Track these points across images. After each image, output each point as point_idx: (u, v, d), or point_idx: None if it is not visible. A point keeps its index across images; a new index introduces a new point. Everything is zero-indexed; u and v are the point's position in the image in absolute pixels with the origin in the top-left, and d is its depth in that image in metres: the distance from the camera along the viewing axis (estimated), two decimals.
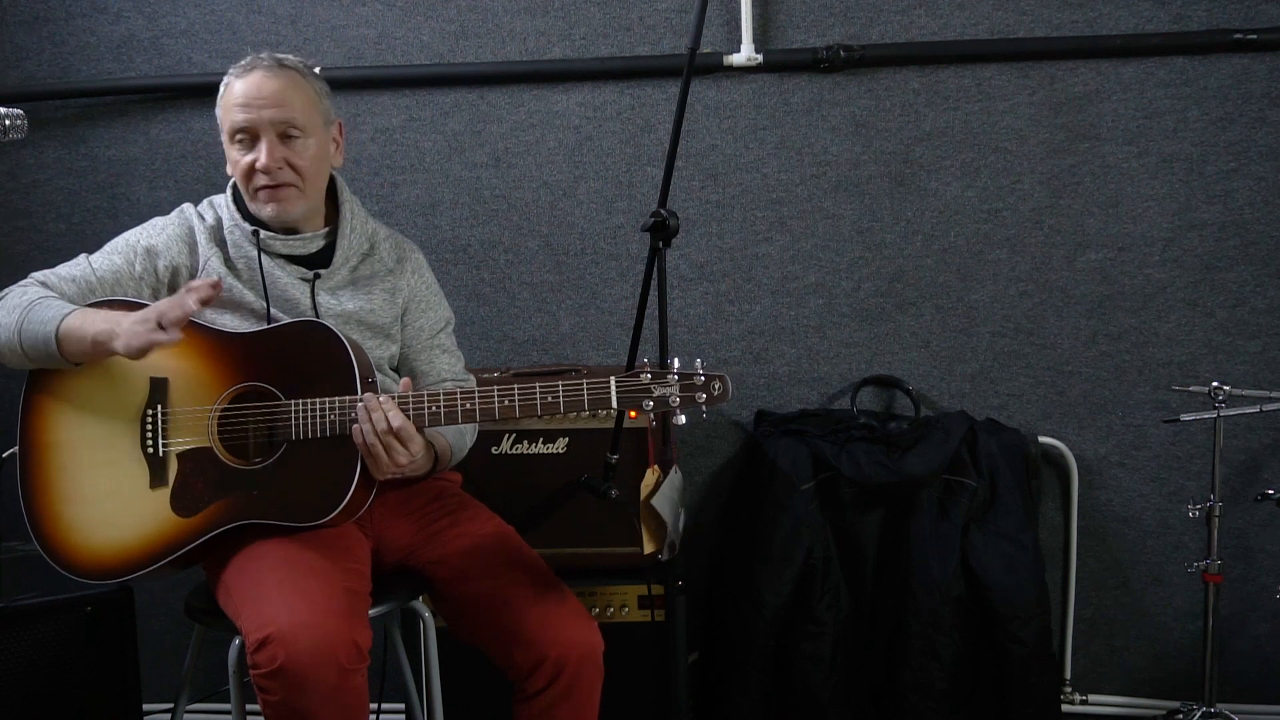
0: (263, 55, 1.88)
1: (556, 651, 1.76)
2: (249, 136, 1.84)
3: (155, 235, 1.89)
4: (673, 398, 1.66)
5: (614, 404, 1.67)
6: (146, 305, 1.83)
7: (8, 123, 1.72)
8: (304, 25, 2.62)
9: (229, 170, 1.91)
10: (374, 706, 2.24)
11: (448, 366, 2.05)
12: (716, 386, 1.67)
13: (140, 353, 1.66)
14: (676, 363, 1.69)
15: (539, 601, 1.81)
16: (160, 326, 1.65)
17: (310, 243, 1.93)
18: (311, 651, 1.54)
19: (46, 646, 1.96)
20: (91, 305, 1.78)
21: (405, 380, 1.77)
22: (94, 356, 1.72)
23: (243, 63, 1.87)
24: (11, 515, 1.84)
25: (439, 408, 1.71)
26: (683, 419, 1.68)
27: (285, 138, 1.84)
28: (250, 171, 1.85)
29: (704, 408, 1.67)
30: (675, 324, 2.62)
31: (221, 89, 1.88)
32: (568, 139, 2.62)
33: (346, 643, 1.58)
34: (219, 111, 1.88)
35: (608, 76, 2.59)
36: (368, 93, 2.61)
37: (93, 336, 1.69)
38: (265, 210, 1.86)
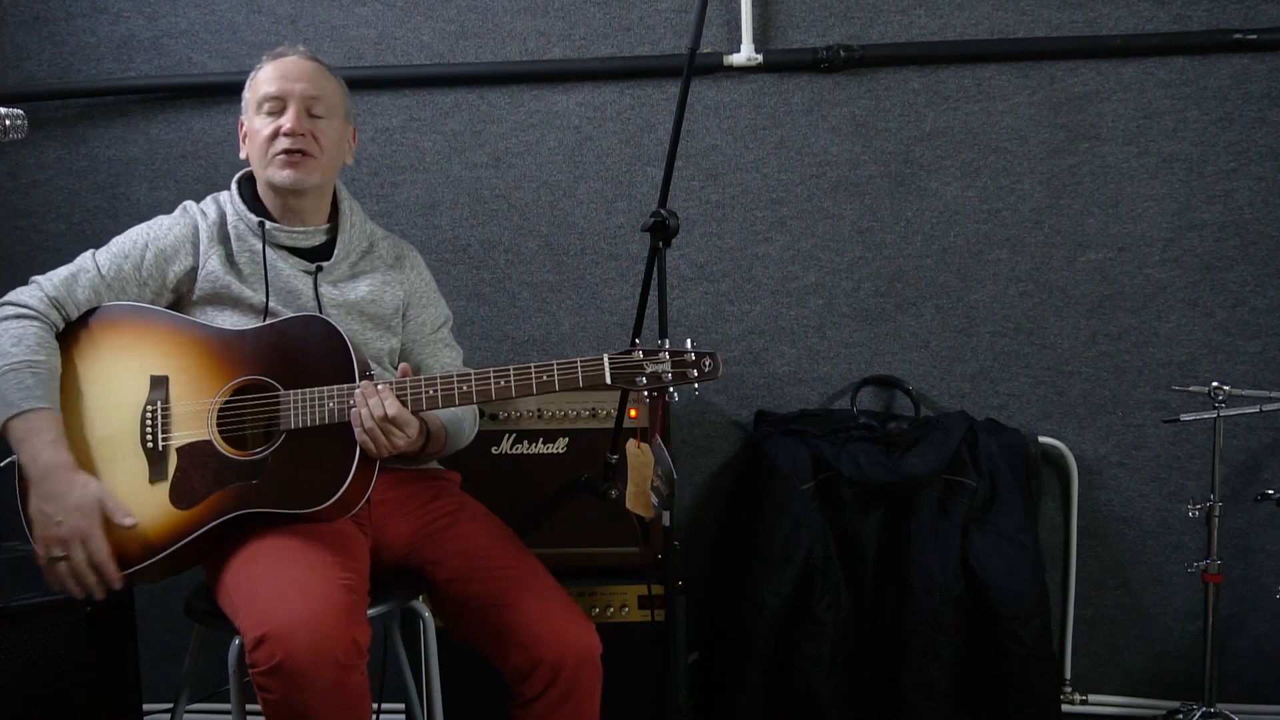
0: (297, 46, 1.95)
1: (553, 654, 1.76)
2: (279, 104, 1.89)
3: (163, 237, 1.90)
4: (665, 374, 1.69)
5: (608, 379, 1.70)
6: (151, 309, 1.85)
7: (8, 123, 1.73)
8: (304, 25, 2.62)
9: (243, 154, 1.95)
10: (374, 706, 2.24)
11: (449, 360, 2.07)
12: (707, 363, 1.70)
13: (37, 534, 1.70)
14: (666, 342, 1.71)
15: (536, 604, 1.81)
16: (46, 555, 1.69)
17: (313, 236, 1.95)
18: (309, 649, 1.54)
19: (46, 646, 1.95)
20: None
21: (404, 365, 1.79)
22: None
23: (275, 50, 1.94)
24: (12, 515, 1.83)
25: (436, 391, 1.73)
26: (675, 396, 1.71)
27: (312, 114, 1.90)
28: (273, 136, 1.88)
29: (696, 385, 1.70)
30: (675, 324, 2.62)
31: (252, 75, 1.94)
32: (568, 139, 2.62)
33: (345, 640, 1.58)
34: (247, 94, 1.93)
35: (608, 76, 2.59)
36: (368, 93, 2.61)
37: (23, 459, 1.71)
38: (281, 174, 1.88)
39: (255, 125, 1.91)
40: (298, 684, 1.54)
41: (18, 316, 1.77)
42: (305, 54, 1.94)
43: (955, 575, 2.33)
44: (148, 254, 1.88)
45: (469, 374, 1.73)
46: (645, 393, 1.70)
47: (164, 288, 1.89)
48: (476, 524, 1.95)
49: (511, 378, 1.72)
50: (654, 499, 1.94)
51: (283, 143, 1.87)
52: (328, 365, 1.76)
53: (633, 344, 1.75)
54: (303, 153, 1.88)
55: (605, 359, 1.70)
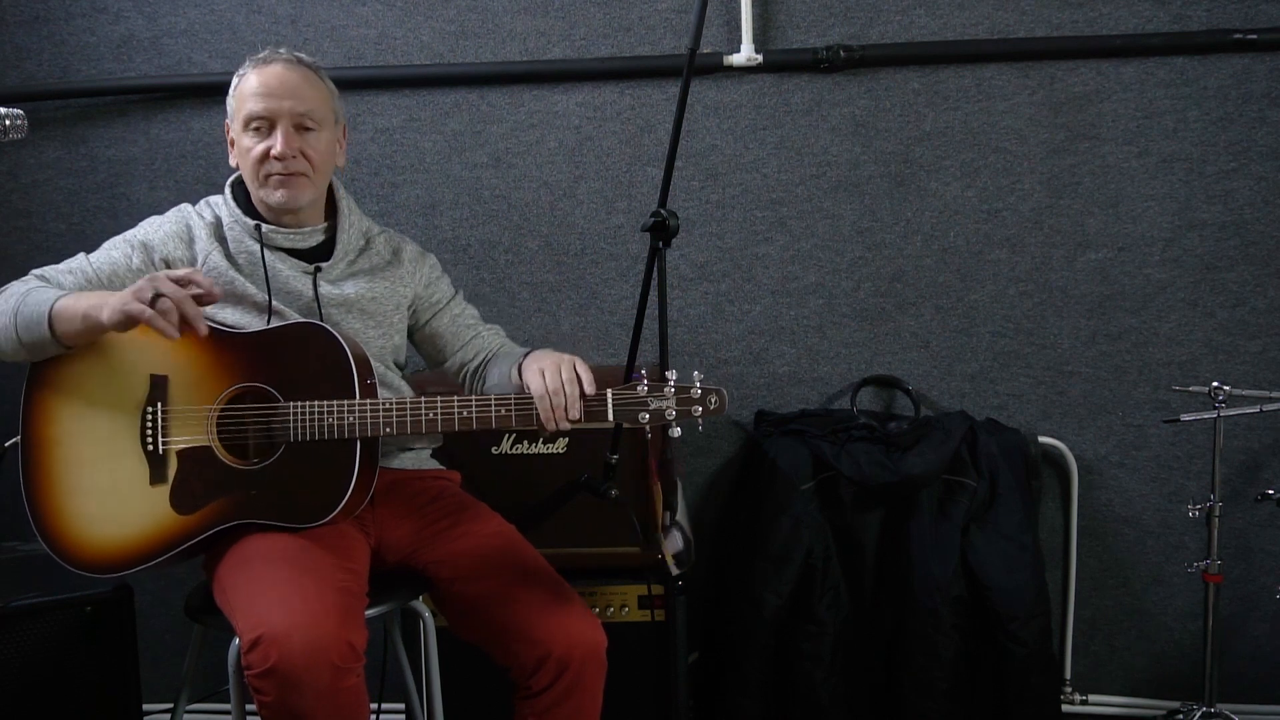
0: (280, 50, 1.90)
1: (561, 649, 1.76)
2: (266, 124, 1.86)
3: (152, 231, 1.90)
4: (669, 411, 1.67)
5: (610, 417, 1.68)
6: None
7: (8, 123, 1.72)
8: (304, 25, 2.62)
9: (232, 161, 1.93)
10: (374, 707, 2.24)
11: (474, 315, 2.09)
12: (713, 400, 1.67)
13: (124, 321, 1.64)
14: (673, 375, 1.69)
15: (542, 599, 1.81)
16: (147, 301, 1.62)
17: (310, 236, 1.94)
18: (304, 651, 1.54)
19: (46, 646, 1.96)
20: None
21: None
22: (86, 334, 1.72)
23: (260, 56, 1.89)
24: (11, 515, 1.84)
25: (436, 414, 1.73)
26: (677, 431, 1.68)
27: (301, 129, 1.87)
28: (263, 158, 1.86)
29: (699, 421, 1.68)
30: (675, 324, 2.62)
31: (236, 81, 1.90)
32: (568, 139, 2.62)
33: (340, 642, 1.57)
34: (232, 102, 1.90)
35: (608, 76, 2.59)
36: (368, 93, 2.61)
37: (84, 311, 1.69)
38: (274, 196, 1.87)
39: (244, 143, 1.88)
40: (292, 686, 1.54)
41: (19, 282, 1.80)
42: (290, 60, 1.89)
43: (955, 575, 2.33)
44: (135, 244, 1.88)
45: (470, 400, 1.73)
46: (648, 430, 1.69)
47: None
48: (479, 522, 1.95)
49: (513, 409, 1.72)
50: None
51: (274, 166, 1.85)
52: (328, 376, 1.76)
53: (631, 371, 1.73)
54: (294, 173, 1.86)
55: (609, 394, 1.68)
